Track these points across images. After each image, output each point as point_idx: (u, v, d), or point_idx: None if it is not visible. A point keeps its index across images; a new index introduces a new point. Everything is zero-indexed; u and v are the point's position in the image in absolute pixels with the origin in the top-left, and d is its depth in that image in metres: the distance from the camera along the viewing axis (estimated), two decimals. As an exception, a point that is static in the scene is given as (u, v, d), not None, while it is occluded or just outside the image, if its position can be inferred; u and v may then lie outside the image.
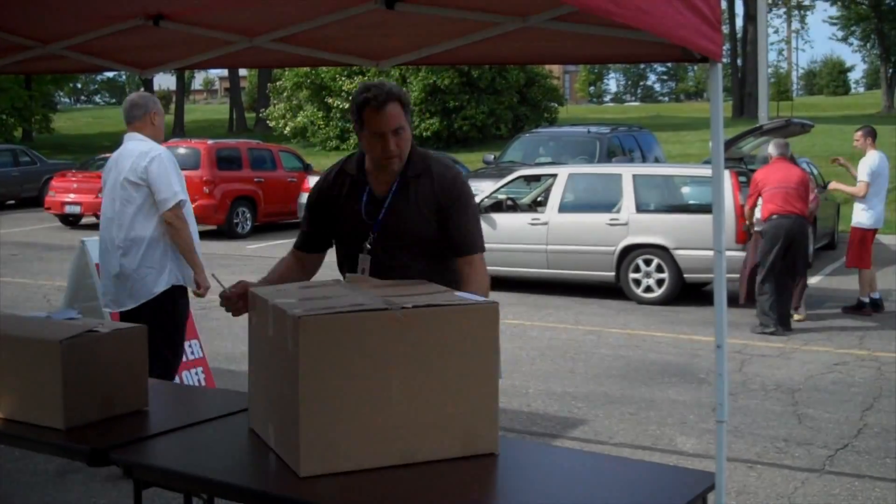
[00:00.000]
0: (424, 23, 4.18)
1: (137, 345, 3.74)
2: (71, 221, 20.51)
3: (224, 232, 18.48)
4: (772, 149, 10.33)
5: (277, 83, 36.47)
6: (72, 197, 19.99)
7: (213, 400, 4.11)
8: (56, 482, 5.49)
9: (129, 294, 5.50)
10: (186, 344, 6.68)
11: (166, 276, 5.49)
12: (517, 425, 6.67)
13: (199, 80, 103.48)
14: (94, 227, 19.56)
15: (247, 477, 3.16)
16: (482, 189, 14.22)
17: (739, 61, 47.05)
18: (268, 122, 37.88)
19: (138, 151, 5.44)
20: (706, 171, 10.72)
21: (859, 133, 11.06)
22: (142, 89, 47.64)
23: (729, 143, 11.59)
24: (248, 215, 19.02)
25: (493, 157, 19.24)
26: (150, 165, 5.38)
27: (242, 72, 56.55)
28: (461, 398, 3.09)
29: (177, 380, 6.39)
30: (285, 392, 3.05)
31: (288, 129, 35.37)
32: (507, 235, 12.12)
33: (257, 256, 15.94)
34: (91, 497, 5.26)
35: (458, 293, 3.30)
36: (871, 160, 10.79)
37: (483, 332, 3.13)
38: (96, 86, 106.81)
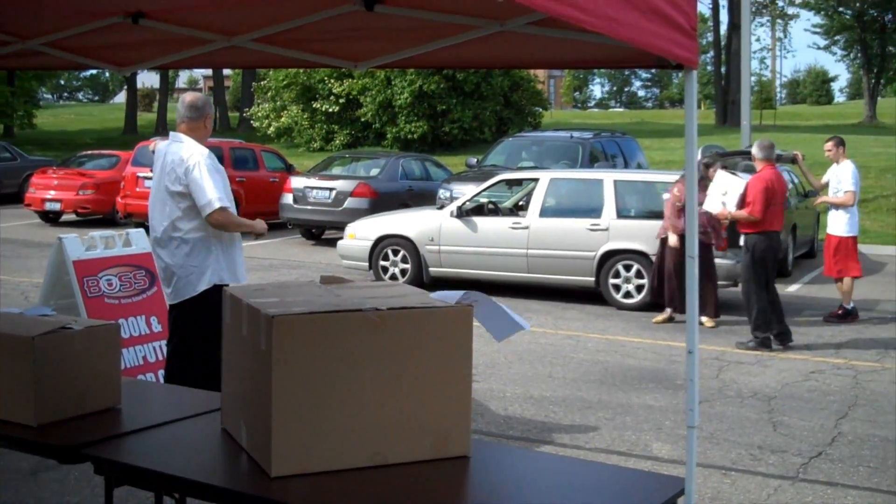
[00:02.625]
0: (403, 25, 4.19)
1: (111, 342, 3.74)
2: (51, 218, 20.40)
3: (205, 231, 18.35)
4: (758, 151, 9.84)
5: (262, 83, 36.39)
6: (52, 194, 19.88)
7: (186, 399, 4.10)
8: (29, 480, 5.45)
9: (173, 290, 5.63)
10: (163, 343, 6.68)
11: (209, 275, 5.57)
12: (494, 429, 6.68)
13: (182, 78, 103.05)
14: (73, 224, 19.48)
15: (218, 476, 3.16)
16: (464, 192, 14.27)
17: (723, 69, 47.21)
18: (252, 121, 37.80)
19: (178, 158, 5.49)
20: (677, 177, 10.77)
21: (831, 143, 11.12)
22: (125, 87, 47.42)
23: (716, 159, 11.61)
24: (230, 215, 18.94)
25: (475, 160, 19.26)
26: (189, 173, 5.44)
27: (226, 71, 56.42)
28: (434, 400, 3.10)
29: (151, 378, 6.38)
30: (258, 392, 3.05)
31: (272, 129, 35.32)
32: (487, 239, 12.15)
33: (238, 256, 15.84)
34: (64, 496, 5.23)
35: (432, 295, 3.30)
36: (850, 169, 10.86)
37: (456, 334, 3.14)
38: (79, 83, 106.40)
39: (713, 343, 9.53)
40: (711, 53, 52.94)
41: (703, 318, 10.42)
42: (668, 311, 10.67)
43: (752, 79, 28.20)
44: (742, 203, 9.64)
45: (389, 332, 3.04)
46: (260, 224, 5.77)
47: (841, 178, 10.87)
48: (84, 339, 3.63)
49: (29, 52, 4.83)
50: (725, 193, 9.78)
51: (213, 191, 5.42)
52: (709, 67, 53.50)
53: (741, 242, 9.92)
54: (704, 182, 10.39)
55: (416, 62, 4.66)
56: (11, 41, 4.69)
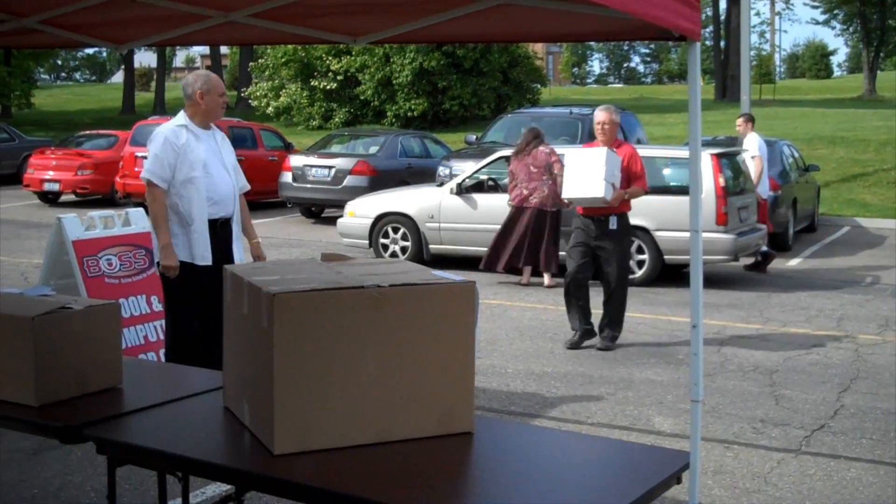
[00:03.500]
0: (402, -1, 4.15)
1: (111, 322, 3.72)
2: (50, 199, 20.35)
3: (204, 210, 18.33)
4: (617, 118, 8.41)
5: (259, 61, 36.25)
6: (50, 174, 19.82)
7: (188, 378, 4.09)
8: (32, 460, 5.45)
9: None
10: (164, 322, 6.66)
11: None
12: (496, 404, 6.67)
13: (180, 57, 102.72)
14: (72, 204, 19.42)
15: (221, 455, 3.15)
16: (464, 169, 14.21)
17: (723, 44, 47.02)
18: (250, 101, 37.68)
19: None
20: (687, 153, 10.73)
21: (741, 119, 13.26)
22: (122, 66, 47.30)
23: None
24: (229, 194, 18.88)
25: (474, 137, 19.19)
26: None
27: (224, 50, 56.19)
28: (437, 377, 3.09)
29: (153, 357, 6.38)
30: (260, 370, 3.04)
31: (271, 108, 35.21)
32: (487, 216, 12.10)
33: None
34: (67, 475, 5.23)
35: (435, 272, 3.28)
36: (756, 139, 12.75)
37: (459, 310, 3.12)
38: (77, 63, 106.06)
39: (714, 317, 9.52)
40: (710, 28, 52.70)
41: (545, 277, 11.32)
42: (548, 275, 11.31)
43: (752, 53, 28.08)
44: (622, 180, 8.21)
45: (391, 309, 3.02)
46: (168, 261, 5.54)
47: (749, 147, 12.65)
48: (84, 319, 3.61)
49: (25, 30, 4.78)
50: (613, 174, 8.08)
51: (146, 163, 5.61)
52: (707, 42, 53.30)
53: (612, 224, 8.22)
54: (525, 156, 11.23)
55: (414, 37, 4.61)
56: (7, 18, 4.64)
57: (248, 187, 6.09)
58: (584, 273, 8.30)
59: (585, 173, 8.08)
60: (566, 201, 8.71)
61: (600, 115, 8.29)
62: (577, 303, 8.35)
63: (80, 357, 3.58)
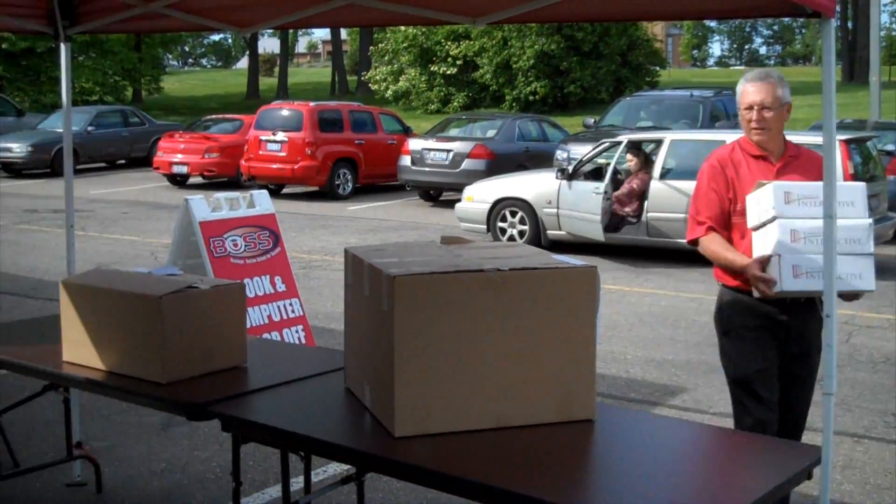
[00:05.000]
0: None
1: (236, 301, 3.78)
2: (178, 181, 20.94)
3: (326, 193, 18.67)
4: None
5: (379, 46, 36.59)
6: (179, 157, 20.37)
7: (311, 358, 4.13)
8: (160, 435, 5.62)
9: None
10: (287, 302, 6.77)
11: None
12: (615, 391, 6.59)
13: (302, 43, 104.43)
14: (200, 186, 19.94)
15: (342, 436, 3.17)
16: (581, 153, 14.05)
17: (850, 24, 45.42)
18: (369, 85, 38.09)
19: None
20: (813, 138, 10.36)
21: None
22: (247, 52, 48.28)
23: None
24: (349, 177, 19.16)
25: (592, 120, 18.98)
26: None
27: (344, 35, 56.87)
28: (557, 362, 3.04)
29: (276, 337, 6.48)
30: (380, 352, 3.04)
31: (390, 92, 35.53)
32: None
33: (358, 217, 16.06)
34: (194, 450, 5.37)
35: (556, 256, 3.23)
36: None
37: (580, 295, 3.06)
38: (203, 49, 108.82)
39: (843, 307, 9.12)
40: (837, 7, 50.98)
41: None
42: None
43: (881, 33, 27.05)
44: None
45: (511, 293, 2.98)
46: None
47: None
48: (210, 299, 3.68)
49: (153, 15, 4.87)
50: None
51: None
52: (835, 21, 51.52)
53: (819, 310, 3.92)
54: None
55: (534, 17, 4.53)
56: (135, 4, 4.75)
57: None
58: (773, 413, 4.22)
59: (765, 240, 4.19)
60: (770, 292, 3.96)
61: (755, 90, 4.05)
62: None
63: (206, 336, 3.65)
